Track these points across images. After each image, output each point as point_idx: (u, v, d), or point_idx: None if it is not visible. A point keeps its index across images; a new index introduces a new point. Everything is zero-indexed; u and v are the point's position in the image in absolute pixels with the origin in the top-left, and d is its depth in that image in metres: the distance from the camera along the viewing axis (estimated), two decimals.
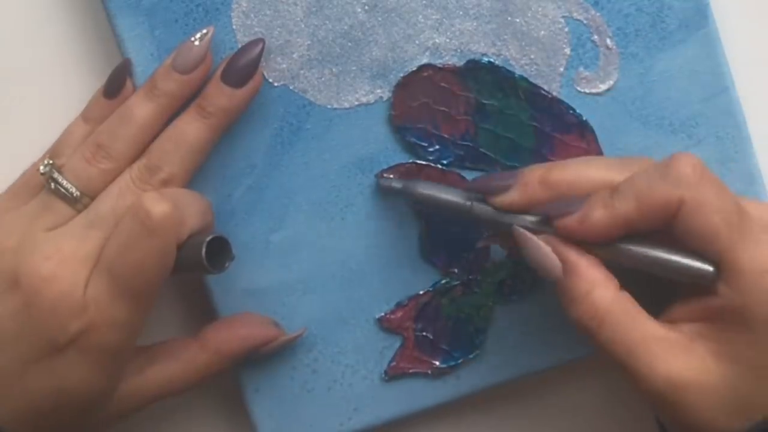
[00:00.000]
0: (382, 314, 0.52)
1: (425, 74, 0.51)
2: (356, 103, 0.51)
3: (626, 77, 0.51)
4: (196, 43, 0.49)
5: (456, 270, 0.52)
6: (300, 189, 0.52)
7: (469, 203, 0.47)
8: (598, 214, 0.44)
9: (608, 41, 0.51)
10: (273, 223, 0.52)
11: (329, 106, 0.51)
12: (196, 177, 0.50)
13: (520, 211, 0.46)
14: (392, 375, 0.52)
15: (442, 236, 0.52)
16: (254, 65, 0.49)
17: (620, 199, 0.44)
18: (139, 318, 0.46)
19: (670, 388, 0.43)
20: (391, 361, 0.52)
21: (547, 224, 0.45)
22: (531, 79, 0.51)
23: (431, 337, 0.52)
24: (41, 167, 0.48)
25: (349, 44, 0.51)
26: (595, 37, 0.51)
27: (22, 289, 0.45)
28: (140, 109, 0.48)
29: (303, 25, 0.51)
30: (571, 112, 0.51)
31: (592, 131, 0.51)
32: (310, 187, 0.52)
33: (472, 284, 0.52)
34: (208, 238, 0.46)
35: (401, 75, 0.51)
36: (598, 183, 0.45)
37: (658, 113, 0.51)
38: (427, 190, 0.48)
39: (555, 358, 0.52)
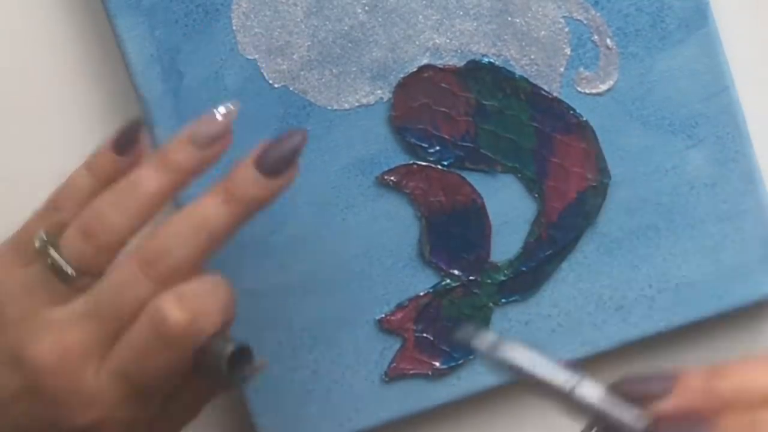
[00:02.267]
0: (383, 315, 0.52)
1: (425, 75, 0.51)
2: (356, 104, 0.51)
3: (626, 77, 0.51)
4: (219, 117, 0.44)
5: (456, 271, 0.52)
6: (300, 190, 0.52)
7: (568, 386, 0.38)
8: None
9: (608, 41, 0.51)
10: (273, 224, 0.52)
11: (329, 107, 0.51)
12: (195, 180, 0.51)
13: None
14: (392, 376, 0.52)
15: (443, 237, 0.52)
16: (294, 155, 0.44)
17: None
18: (146, 416, 0.44)
19: None
20: (391, 363, 0.52)
21: None
22: (531, 80, 0.51)
23: (431, 338, 0.52)
24: (36, 242, 0.43)
25: (349, 45, 0.51)
26: (596, 37, 0.51)
27: (26, 373, 0.42)
28: (149, 180, 0.43)
29: (303, 26, 0.51)
30: (571, 112, 0.51)
31: (593, 131, 0.51)
32: (310, 188, 0.52)
33: (472, 285, 0.52)
34: (230, 350, 0.41)
35: (401, 76, 0.51)
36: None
37: (658, 113, 0.51)
38: (518, 360, 0.37)
39: (554, 359, 0.52)
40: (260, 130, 0.51)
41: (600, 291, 0.52)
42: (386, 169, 0.52)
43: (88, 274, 0.43)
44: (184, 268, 0.42)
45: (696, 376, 0.38)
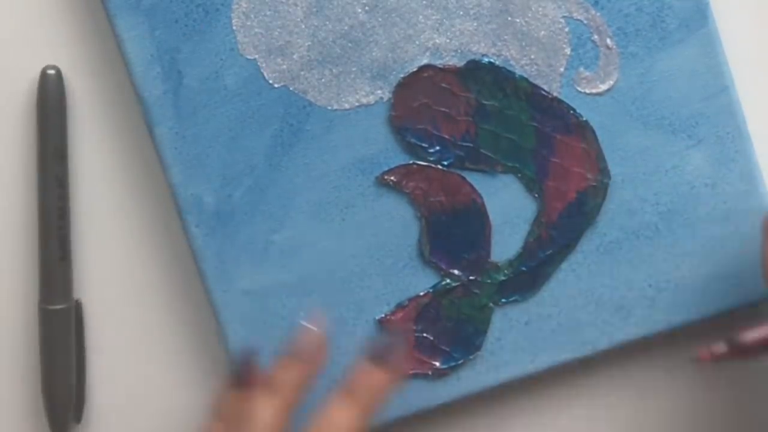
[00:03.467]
0: (383, 315, 0.52)
1: (425, 75, 0.51)
2: (356, 103, 0.51)
3: (626, 77, 0.51)
4: (314, 328, 0.49)
5: (456, 271, 0.52)
6: (300, 190, 0.52)
7: None
8: None
9: (608, 41, 0.51)
10: (273, 224, 0.52)
11: (329, 107, 0.51)
12: (197, 178, 0.51)
13: None
14: None
15: (443, 237, 0.52)
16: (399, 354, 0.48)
17: None
18: None
19: None
20: None
21: None
22: (531, 80, 0.51)
23: (431, 338, 0.52)
24: None
25: (350, 45, 0.51)
26: (595, 37, 0.51)
27: None
28: (266, 410, 0.47)
29: (303, 26, 0.51)
30: (571, 112, 0.51)
31: (593, 131, 0.51)
32: (310, 188, 0.52)
33: (472, 285, 0.52)
34: None
35: (401, 76, 0.51)
36: None
37: (658, 113, 0.51)
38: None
39: (554, 359, 0.52)
40: (260, 131, 0.51)
41: (600, 291, 0.52)
42: (386, 169, 0.52)
43: None
44: None
45: None
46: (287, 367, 0.48)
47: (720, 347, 0.47)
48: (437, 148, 0.51)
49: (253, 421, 0.47)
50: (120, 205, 0.54)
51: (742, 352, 0.47)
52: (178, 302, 0.54)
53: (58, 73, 0.53)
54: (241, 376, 0.48)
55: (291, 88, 0.51)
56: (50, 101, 0.53)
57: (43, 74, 0.53)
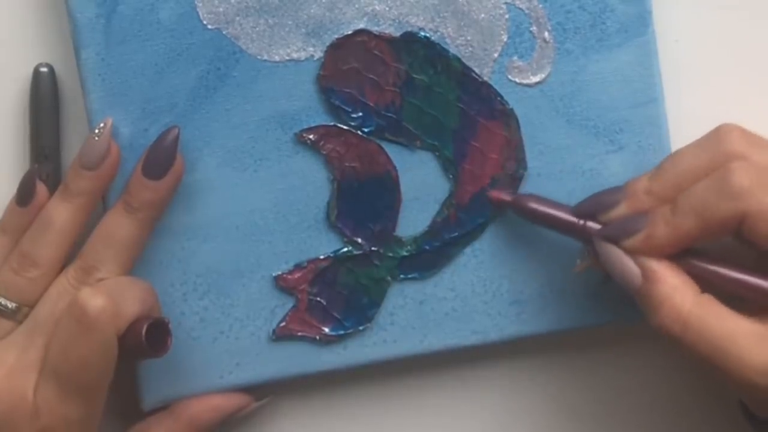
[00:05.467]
0: (279, 273, 0.51)
1: (359, 39, 0.51)
2: (287, 57, 0.51)
3: (558, 73, 0.50)
4: (96, 138, 0.49)
5: (360, 239, 0.51)
6: (217, 135, 0.51)
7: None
8: (662, 232, 0.45)
9: (546, 34, 0.50)
10: (185, 165, 0.51)
11: (259, 57, 0.51)
12: (116, 107, 0.50)
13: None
14: (280, 335, 0.51)
15: (352, 204, 0.51)
16: (171, 155, 0.49)
17: (681, 217, 0.44)
18: (93, 412, 0.47)
19: (764, 377, 0.43)
20: (281, 321, 0.51)
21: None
22: (464, 60, 0.50)
23: (324, 303, 0.51)
24: None
25: None
26: (534, 28, 0.50)
27: None
28: (58, 212, 0.49)
29: None
30: (498, 98, 0.51)
31: (517, 121, 0.51)
32: (227, 134, 0.51)
33: (373, 256, 0.51)
34: (147, 324, 0.46)
35: (336, 36, 0.51)
36: (697, 174, 0.45)
37: (584, 113, 0.51)
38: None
39: (443, 342, 0.52)
40: (187, 70, 0.51)
41: (499, 282, 0.51)
42: (306, 127, 0.51)
43: (27, 305, 0.48)
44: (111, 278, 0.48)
45: (641, 181, 0.46)
46: (76, 175, 0.49)
47: (506, 196, 0.50)
48: (360, 114, 0.51)
49: (46, 220, 0.49)
50: None
51: (524, 210, 0.49)
52: None
53: (51, 70, 0.52)
54: (24, 191, 0.50)
55: (224, 32, 0.51)
56: (43, 99, 0.52)
57: (36, 72, 0.52)
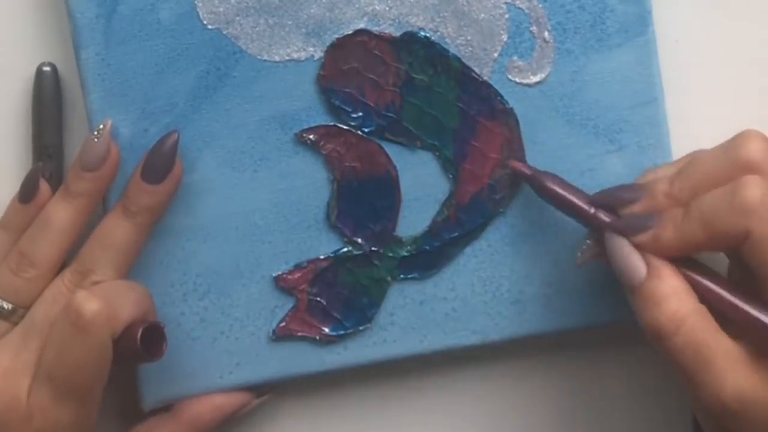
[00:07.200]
0: (280, 273, 0.51)
1: (360, 39, 0.51)
2: (287, 57, 0.51)
3: (559, 73, 0.50)
4: (96, 140, 0.49)
5: (360, 240, 0.51)
6: (217, 135, 0.51)
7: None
8: (669, 235, 0.44)
9: (546, 34, 0.50)
10: (185, 165, 0.51)
11: (259, 57, 0.51)
12: (116, 107, 0.50)
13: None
14: (280, 335, 0.51)
15: (352, 204, 0.51)
16: (170, 159, 0.49)
17: (689, 223, 0.44)
18: (86, 416, 0.47)
19: (737, 402, 0.43)
20: (280, 321, 0.51)
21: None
22: (464, 60, 0.50)
23: (324, 303, 0.51)
24: None
25: None
26: (534, 28, 0.50)
27: None
28: (57, 213, 0.49)
29: None
30: (498, 98, 0.51)
31: (516, 121, 0.51)
32: (227, 135, 0.51)
33: (373, 256, 0.51)
34: (142, 328, 0.46)
35: (336, 36, 0.51)
36: (716, 180, 0.45)
37: (584, 113, 0.51)
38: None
39: (443, 343, 0.52)
40: (187, 70, 0.51)
41: (499, 282, 0.51)
42: (306, 127, 0.51)
43: (22, 306, 0.48)
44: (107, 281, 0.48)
45: (662, 183, 0.46)
46: (77, 177, 0.49)
47: (526, 169, 0.50)
48: (360, 114, 0.51)
49: (46, 221, 0.49)
50: None
51: (540, 187, 0.49)
52: None
53: (54, 70, 0.52)
54: (28, 188, 0.50)
55: (224, 32, 0.51)
56: (46, 98, 0.52)
57: (39, 71, 0.52)
